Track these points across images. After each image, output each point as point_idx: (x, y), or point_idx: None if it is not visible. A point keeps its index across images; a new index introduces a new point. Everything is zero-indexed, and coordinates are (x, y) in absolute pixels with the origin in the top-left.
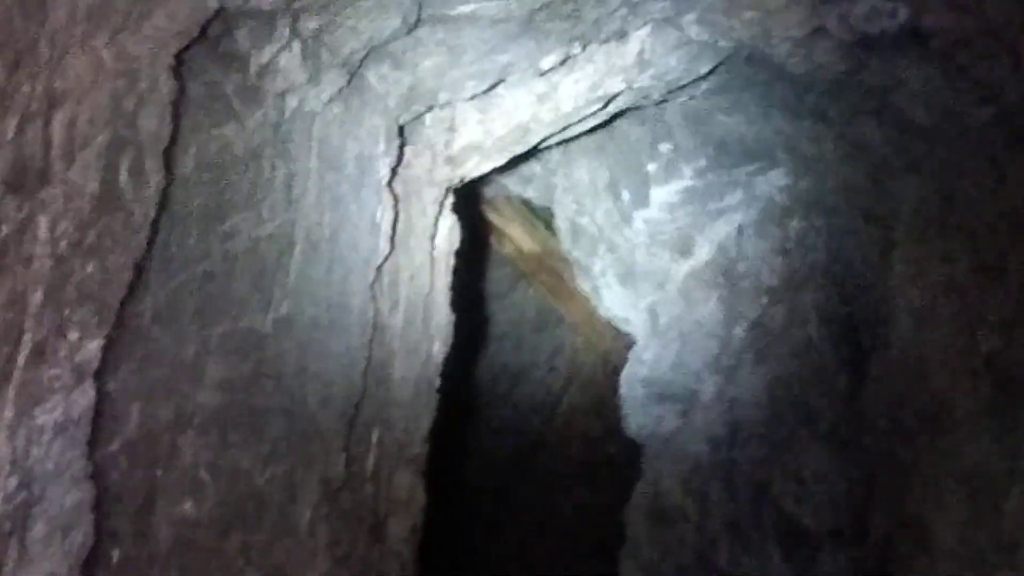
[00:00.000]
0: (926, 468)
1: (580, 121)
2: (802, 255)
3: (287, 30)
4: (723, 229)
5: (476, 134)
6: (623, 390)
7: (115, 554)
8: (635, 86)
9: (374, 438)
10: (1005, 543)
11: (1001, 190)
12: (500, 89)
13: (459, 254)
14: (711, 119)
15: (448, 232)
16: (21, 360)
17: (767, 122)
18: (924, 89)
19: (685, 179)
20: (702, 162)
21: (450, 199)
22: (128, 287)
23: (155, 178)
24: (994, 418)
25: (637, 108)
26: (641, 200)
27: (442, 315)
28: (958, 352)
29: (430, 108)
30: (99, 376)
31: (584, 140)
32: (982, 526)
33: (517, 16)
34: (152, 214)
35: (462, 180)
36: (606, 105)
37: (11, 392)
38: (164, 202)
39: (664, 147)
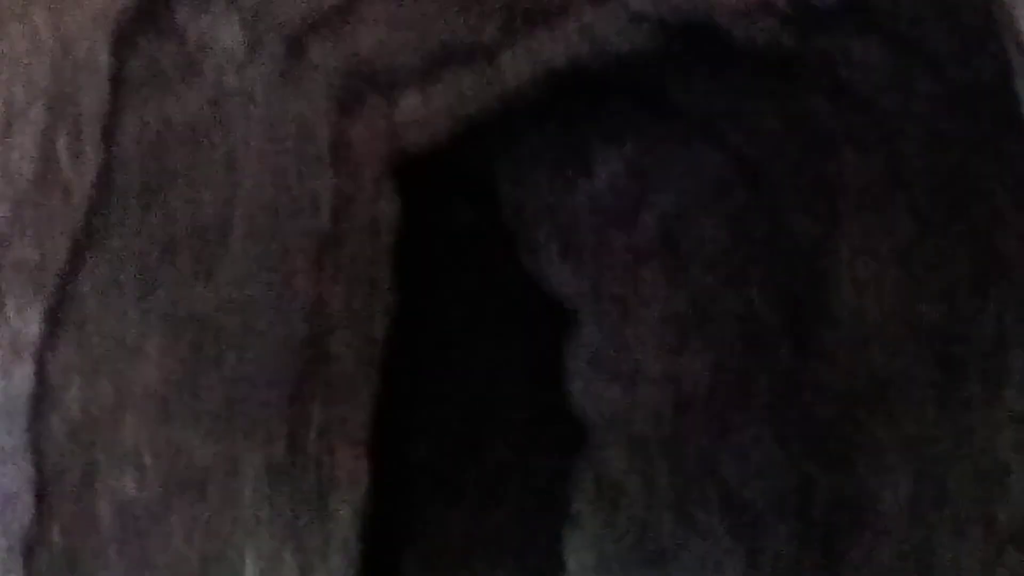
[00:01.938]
0: (870, 441)
1: (522, 96)
2: (746, 228)
3: (224, 3)
4: (667, 202)
5: (418, 109)
6: (567, 365)
7: (56, 532)
8: (578, 60)
9: (315, 416)
10: (950, 516)
11: (943, 162)
12: (442, 64)
13: (401, 230)
14: (655, 92)
15: (390, 207)
16: None
17: (712, 96)
18: (867, 61)
19: (628, 152)
20: (646, 135)
21: (391, 174)
22: (67, 264)
23: (93, 154)
24: (938, 390)
25: (581, 81)
26: (585, 172)
27: (384, 291)
28: (902, 323)
29: (372, 83)
30: (38, 354)
31: (528, 113)
32: (927, 499)
33: None
34: (91, 191)
35: (404, 154)
36: (550, 79)
37: None
38: (103, 178)
39: (608, 120)
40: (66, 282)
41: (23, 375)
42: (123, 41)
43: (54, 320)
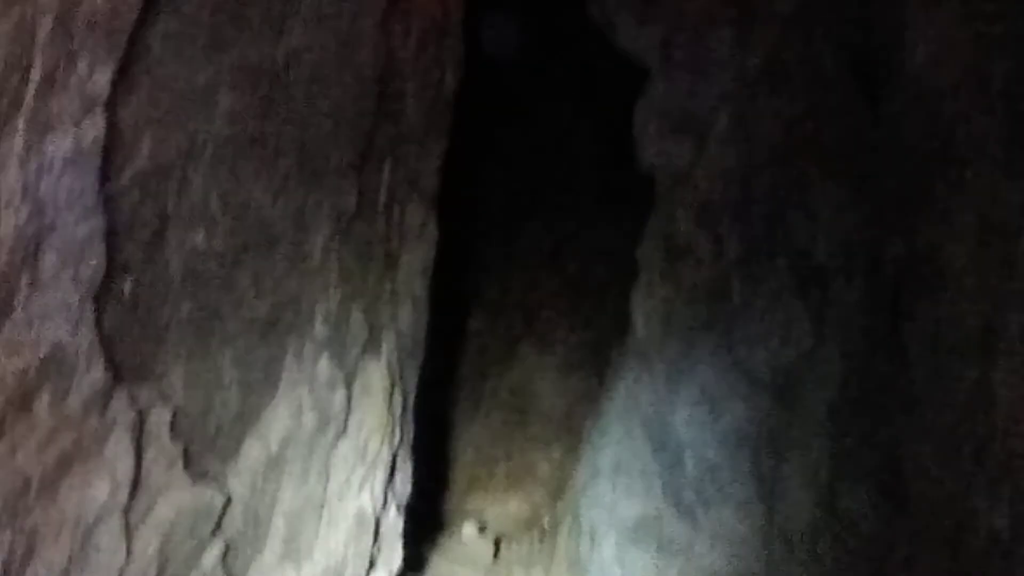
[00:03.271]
0: (939, 201)
1: None
2: None
3: None
4: None
5: None
6: (637, 121)
7: (126, 285)
8: None
9: (386, 171)
10: (1019, 277)
11: None
12: None
13: None
14: None
15: None
16: (30, 91)
17: None
18: None
19: None
20: None
21: None
22: (138, 16)
23: None
24: (1008, 151)
25: None
26: None
27: (455, 45)
28: (973, 83)
29: None
30: (109, 106)
31: None
32: (994, 258)
33: None
34: None
35: None
36: None
37: (21, 123)
38: None
39: None
40: (137, 34)
41: (94, 126)
42: None
43: (125, 72)
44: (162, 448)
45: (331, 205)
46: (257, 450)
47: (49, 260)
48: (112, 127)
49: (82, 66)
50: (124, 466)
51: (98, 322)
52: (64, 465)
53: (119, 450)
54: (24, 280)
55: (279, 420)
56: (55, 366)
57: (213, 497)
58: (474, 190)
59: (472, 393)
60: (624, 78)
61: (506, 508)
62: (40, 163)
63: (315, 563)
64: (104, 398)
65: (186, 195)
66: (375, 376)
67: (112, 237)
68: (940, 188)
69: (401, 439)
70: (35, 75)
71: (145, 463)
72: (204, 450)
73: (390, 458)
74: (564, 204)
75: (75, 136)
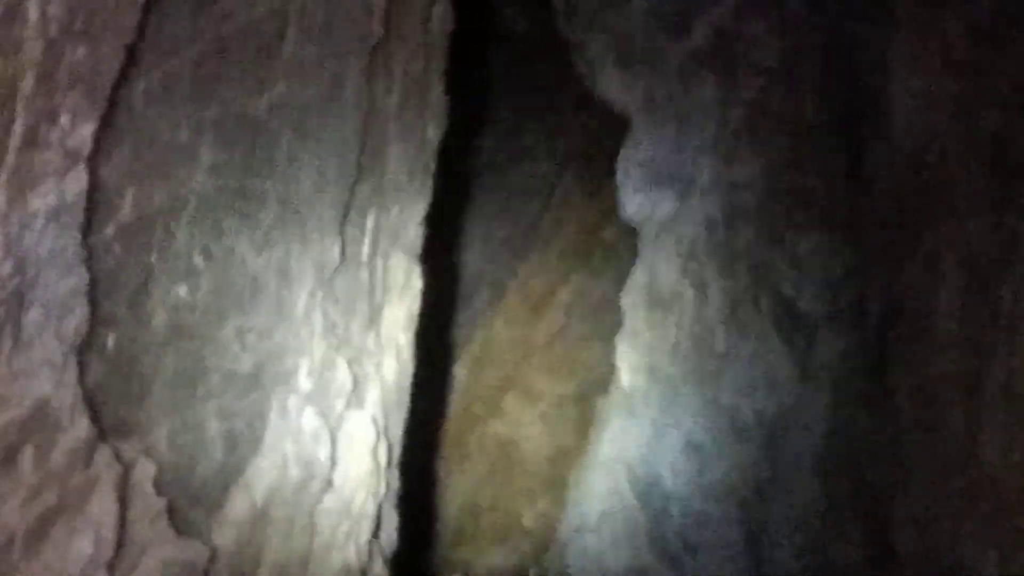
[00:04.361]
0: (923, 253)
1: None
2: (801, 35)
3: None
4: (721, 8)
5: None
6: (619, 173)
7: (110, 339)
8: None
9: (369, 223)
10: (1003, 326)
11: None
12: None
13: (455, 35)
14: None
15: (443, 13)
16: (13, 145)
17: None
18: None
19: None
20: None
21: None
22: (120, 70)
23: None
24: (992, 201)
25: None
26: None
27: (438, 98)
28: (958, 135)
29: None
30: (92, 161)
31: None
32: (980, 310)
33: None
34: None
35: None
36: None
37: (3, 177)
38: None
39: None
40: (119, 89)
41: (77, 182)
42: None
43: (107, 127)
44: (147, 503)
45: (314, 258)
46: (242, 504)
47: (32, 315)
48: (95, 182)
49: (64, 121)
50: (109, 521)
51: (82, 377)
52: (48, 520)
53: (103, 505)
54: (7, 336)
55: (264, 474)
56: (39, 421)
57: (198, 551)
58: (458, 241)
59: (457, 444)
60: (608, 130)
61: (492, 559)
62: (23, 218)
63: None
64: (88, 453)
65: (169, 249)
66: (360, 428)
67: (95, 292)
68: (923, 237)
69: (386, 491)
70: (17, 129)
71: (130, 518)
72: (189, 504)
73: (375, 511)
74: (549, 256)
75: (58, 191)
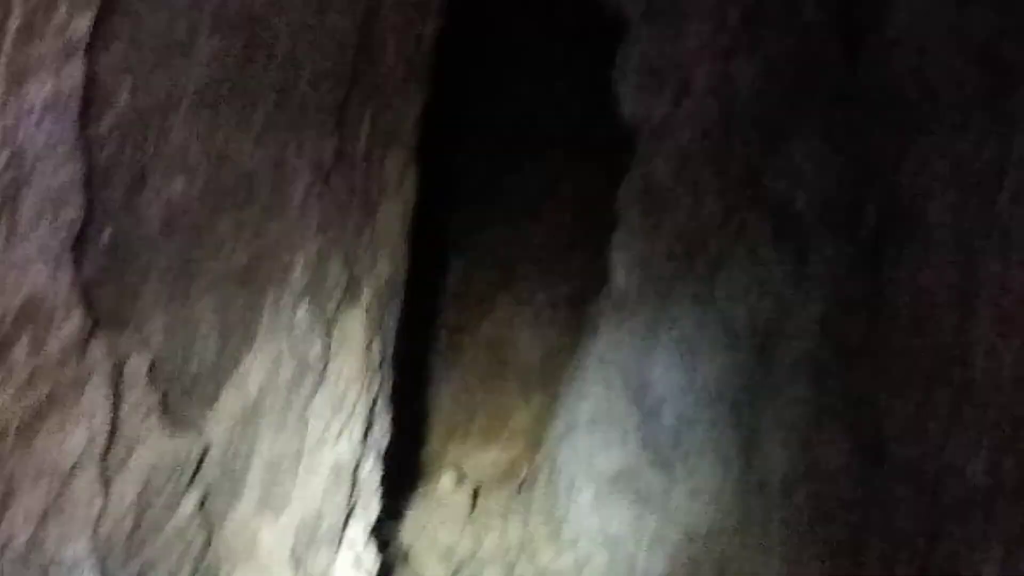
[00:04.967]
0: (918, 155)
1: None
2: None
3: None
4: None
5: None
6: (617, 74)
7: (106, 232)
8: None
9: (365, 121)
10: (996, 232)
11: None
12: None
13: None
14: None
15: None
16: (9, 36)
17: None
18: None
19: None
20: None
21: None
22: None
23: None
24: (987, 106)
25: None
26: None
27: None
28: (955, 37)
29: None
30: (89, 52)
31: None
32: (974, 214)
33: None
34: None
35: None
36: None
37: (0, 68)
38: None
39: None
40: None
41: (74, 74)
42: None
43: (104, 19)
44: (140, 396)
45: (311, 154)
46: (235, 399)
47: (28, 207)
48: (92, 74)
49: (62, 11)
50: (101, 414)
51: (76, 270)
52: (41, 413)
53: (97, 398)
54: (3, 228)
55: (257, 369)
56: (33, 313)
57: (191, 445)
58: (454, 140)
59: (450, 344)
60: (606, 30)
61: (484, 459)
62: (19, 110)
63: (293, 512)
64: (82, 346)
65: (165, 143)
66: (354, 326)
67: (91, 184)
68: (920, 141)
69: (380, 389)
70: (14, 22)
71: (123, 411)
72: (182, 399)
73: (368, 408)
74: (544, 157)
75: (55, 83)
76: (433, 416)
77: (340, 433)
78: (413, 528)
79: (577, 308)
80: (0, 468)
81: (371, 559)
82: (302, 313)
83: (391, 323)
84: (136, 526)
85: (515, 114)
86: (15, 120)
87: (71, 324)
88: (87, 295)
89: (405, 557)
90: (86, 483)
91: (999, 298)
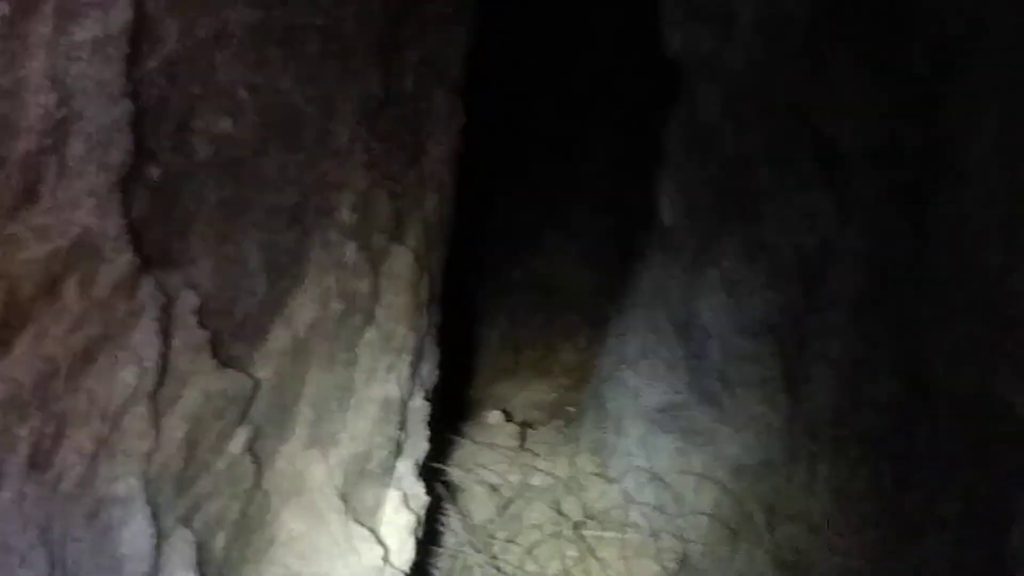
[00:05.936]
0: (961, 90)
1: None
2: None
3: None
4: None
5: None
6: (662, 8)
7: (154, 171)
8: None
9: (412, 59)
10: None
11: None
12: None
13: None
14: None
15: None
16: None
17: None
18: None
19: None
20: None
21: None
22: None
23: None
24: None
25: None
26: None
27: None
28: None
29: None
30: None
31: None
32: (1017, 148)
33: None
34: None
35: None
36: None
37: (48, 8)
38: None
39: None
40: None
41: (122, 14)
42: None
43: None
44: (189, 334)
45: (357, 92)
46: (284, 336)
47: (76, 147)
48: (139, 14)
49: None
50: (151, 352)
51: (125, 209)
52: (92, 351)
53: (146, 336)
54: (51, 167)
55: (306, 307)
56: (82, 252)
57: (240, 383)
58: (499, 79)
59: (497, 281)
60: None
61: (531, 396)
62: (67, 49)
63: (341, 449)
64: (131, 284)
65: (213, 82)
66: (402, 263)
67: (140, 124)
68: (963, 77)
69: (427, 326)
70: None
71: (172, 349)
72: (231, 336)
73: (417, 345)
74: (591, 97)
75: (103, 22)
76: (480, 354)
77: (389, 370)
78: (461, 465)
79: (624, 244)
80: (51, 407)
81: (419, 496)
82: (350, 251)
83: (438, 261)
84: (186, 464)
85: (559, 52)
86: (64, 60)
87: (120, 264)
88: (136, 235)
89: (453, 494)
90: (136, 421)
91: None
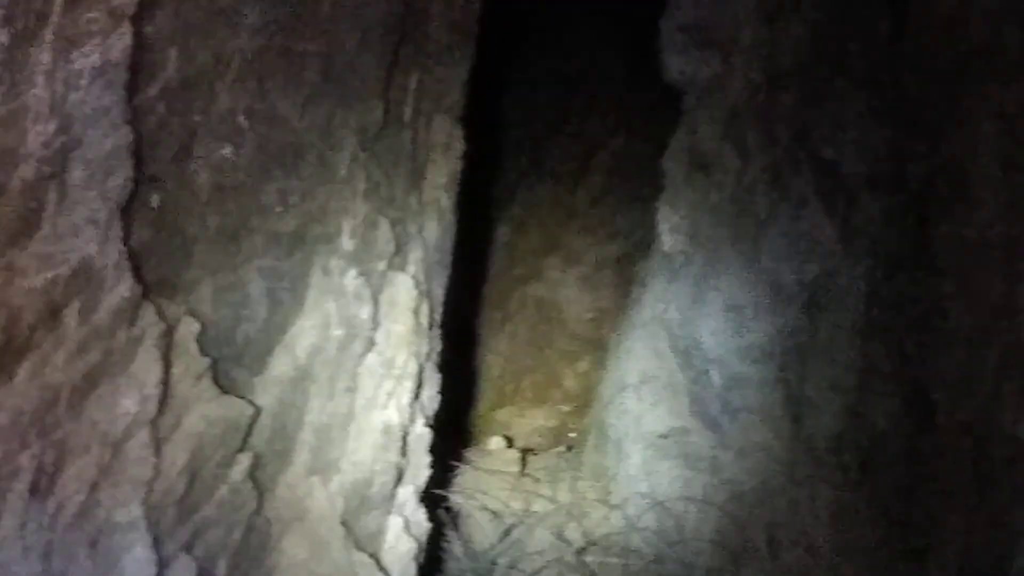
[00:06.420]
0: (964, 115)
1: None
2: None
3: None
4: None
5: None
6: (662, 35)
7: (154, 199)
8: None
9: (412, 85)
10: None
11: None
12: None
13: None
14: None
15: None
16: (57, 4)
17: None
18: None
19: None
20: None
21: None
22: None
23: None
24: None
25: None
26: None
27: None
28: None
29: None
30: (136, 19)
31: None
32: (1020, 174)
33: None
34: None
35: None
36: None
37: (48, 36)
38: None
39: None
40: None
41: (122, 41)
42: None
43: None
44: (190, 361)
45: (357, 119)
46: (285, 363)
47: (77, 174)
48: (139, 41)
49: None
50: (152, 379)
51: (126, 236)
52: (93, 378)
53: (147, 363)
54: (52, 194)
55: (306, 333)
56: (83, 280)
57: (241, 410)
58: (501, 105)
59: (498, 307)
60: None
61: (533, 421)
62: (67, 77)
63: (343, 475)
64: (132, 311)
65: (213, 109)
66: (402, 289)
67: (139, 151)
68: (964, 101)
69: (428, 353)
70: None
71: (173, 376)
72: (232, 363)
73: (417, 371)
74: (591, 119)
75: (102, 49)
76: (482, 379)
77: (390, 397)
78: (463, 491)
79: (624, 270)
80: (52, 434)
81: (421, 522)
82: (350, 278)
83: (439, 287)
84: (188, 491)
85: (560, 77)
86: (64, 88)
87: (121, 290)
88: (137, 261)
89: (455, 520)
90: (138, 448)
91: None
